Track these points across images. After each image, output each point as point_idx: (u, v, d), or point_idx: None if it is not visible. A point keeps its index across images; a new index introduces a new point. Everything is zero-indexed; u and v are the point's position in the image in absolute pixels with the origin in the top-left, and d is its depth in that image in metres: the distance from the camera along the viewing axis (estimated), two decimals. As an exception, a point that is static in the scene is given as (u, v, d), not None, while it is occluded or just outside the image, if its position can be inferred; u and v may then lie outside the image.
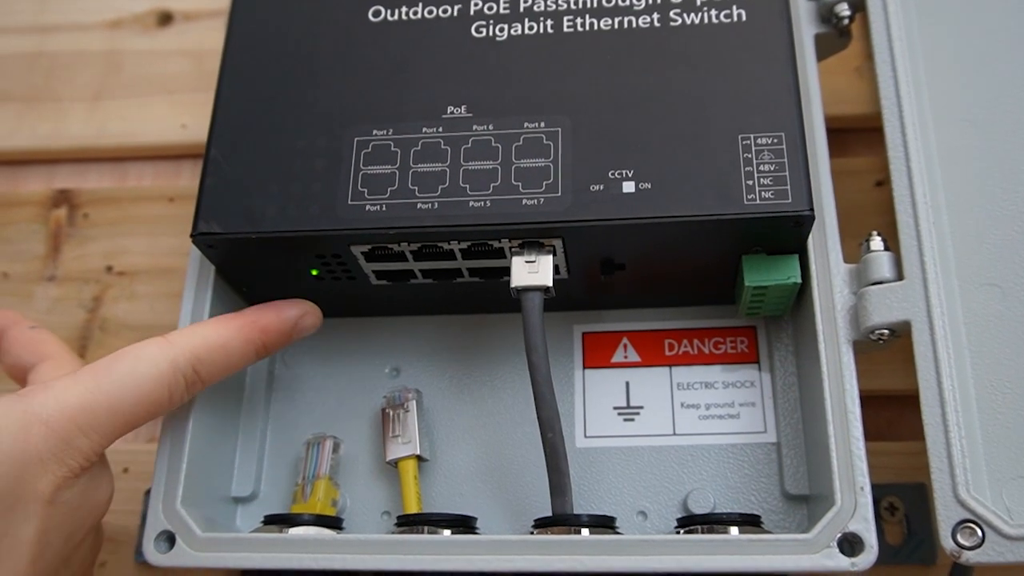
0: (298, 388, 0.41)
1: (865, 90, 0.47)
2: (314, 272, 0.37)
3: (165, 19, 0.54)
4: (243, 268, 0.38)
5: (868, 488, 0.32)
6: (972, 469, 0.31)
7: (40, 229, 0.49)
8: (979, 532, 0.30)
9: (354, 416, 0.40)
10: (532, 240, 0.34)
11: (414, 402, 0.38)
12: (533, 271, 0.34)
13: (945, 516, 0.30)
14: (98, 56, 0.53)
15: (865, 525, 0.31)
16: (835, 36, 0.39)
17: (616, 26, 0.37)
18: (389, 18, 0.38)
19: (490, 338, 0.40)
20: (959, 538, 0.30)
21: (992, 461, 0.31)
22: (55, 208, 0.50)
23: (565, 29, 0.37)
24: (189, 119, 0.51)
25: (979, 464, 0.31)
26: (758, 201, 0.33)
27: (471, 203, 0.34)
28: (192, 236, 0.35)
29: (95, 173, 0.51)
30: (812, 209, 0.33)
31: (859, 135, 0.46)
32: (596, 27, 0.37)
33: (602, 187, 0.34)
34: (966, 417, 0.32)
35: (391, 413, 0.38)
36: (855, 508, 0.31)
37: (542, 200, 0.34)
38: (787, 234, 0.34)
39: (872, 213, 0.43)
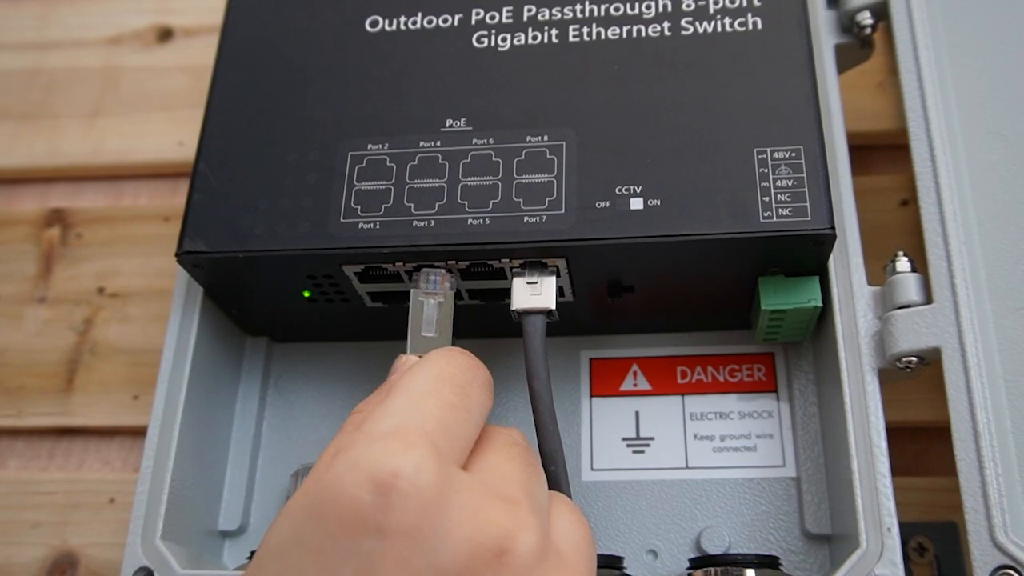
0: (291, 415, 0.39)
1: (889, 105, 0.45)
2: (306, 294, 0.35)
3: (165, 35, 0.53)
4: (232, 289, 0.36)
5: (896, 529, 0.29)
6: (1010, 509, 0.28)
7: (32, 249, 0.48)
8: (1019, 580, 0.27)
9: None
10: (534, 260, 0.32)
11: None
12: (535, 293, 0.32)
13: (981, 561, 0.28)
14: (96, 73, 0.52)
15: (893, 569, 0.29)
16: (857, 46, 0.37)
17: (624, 35, 0.35)
18: (387, 28, 0.36)
19: (492, 364, 0.38)
20: (997, 586, 0.28)
21: (1031, 500, 0.29)
22: (48, 227, 0.48)
23: (571, 39, 0.35)
24: (187, 136, 0.49)
25: (1017, 503, 0.29)
26: (775, 219, 0.31)
27: (470, 221, 0.32)
28: (177, 255, 0.34)
29: (90, 192, 0.50)
30: (833, 227, 0.31)
31: (883, 152, 0.44)
32: (603, 36, 0.35)
33: (608, 204, 0.32)
34: (1002, 452, 0.29)
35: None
36: (882, 551, 0.29)
37: (545, 218, 0.32)
38: (806, 254, 0.32)
39: (897, 234, 0.41)
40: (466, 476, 0.24)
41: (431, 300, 0.33)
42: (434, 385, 0.26)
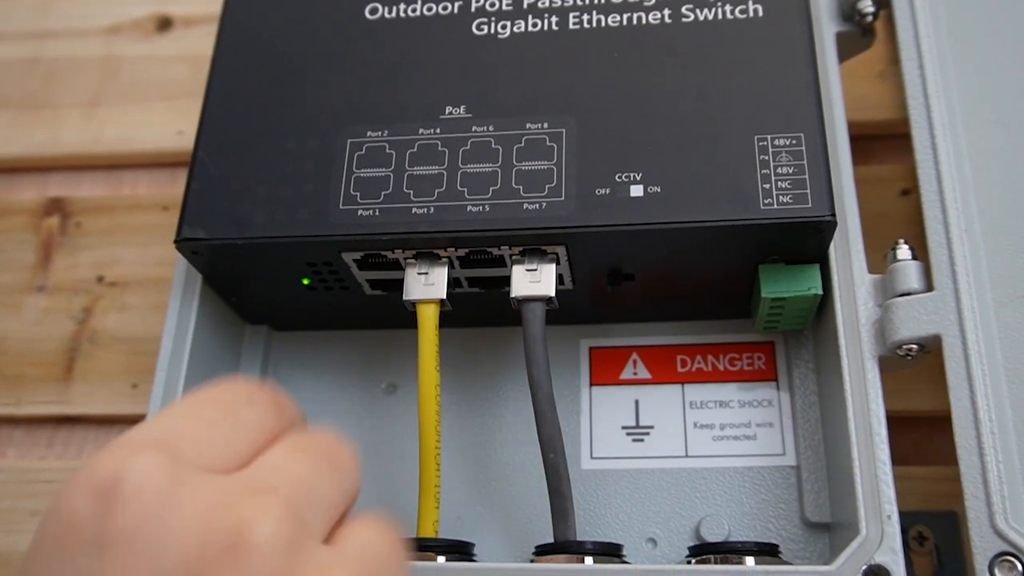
0: (290, 404, 0.39)
1: (889, 95, 0.44)
2: (305, 281, 0.35)
3: (164, 24, 0.53)
4: (231, 277, 0.36)
5: (896, 517, 0.29)
6: (1010, 496, 0.28)
7: (31, 238, 0.48)
8: (1019, 566, 0.27)
9: (347, 435, 0.38)
10: (534, 247, 0.32)
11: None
12: (535, 280, 0.32)
13: (981, 548, 0.28)
14: (96, 62, 0.52)
15: (893, 557, 0.29)
16: (858, 35, 0.37)
17: (625, 22, 0.35)
18: (387, 15, 0.36)
19: (491, 353, 0.38)
20: (997, 572, 0.28)
21: (1032, 488, 0.29)
22: (47, 216, 0.48)
23: (571, 26, 0.35)
24: (186, 126, 0.49)
25: (1018, 491, 0.29)
26: (775, 206, 0.31)
27: (469, 208, 0.32)
28: (176, 242, 0.34)
29: (89, 181, 0.50)
30: (834, 214, 0.30)
31: (883, 142, 0.44)
32: (604, 24, 0.35)
33: (608, 191, 0.32)
34: (1003, 439, 0.29)
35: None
36: (882, 538, 0.29)
37: (544, 205, 0.32)
38: (807, 242, 0.32)
39: (898, 223, 0.41)
40: (211, 477, 0.20)
41: None
42: (194, 404, 0.23)
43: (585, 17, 0.35)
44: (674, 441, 0.36)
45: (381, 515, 0.23)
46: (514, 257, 0.32)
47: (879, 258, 0.34)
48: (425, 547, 0.32)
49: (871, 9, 0.36)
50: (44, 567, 0.19)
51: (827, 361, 0.34)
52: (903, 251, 0.32)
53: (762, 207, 0.31)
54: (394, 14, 0.36)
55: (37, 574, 0.19)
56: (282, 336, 0.40)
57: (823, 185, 0.31)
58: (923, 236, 0.33)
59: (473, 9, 0.36)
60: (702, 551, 0.32)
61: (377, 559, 0.22)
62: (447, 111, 0.34)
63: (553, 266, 0.32)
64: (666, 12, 0.34)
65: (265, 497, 0.20)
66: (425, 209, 0.32)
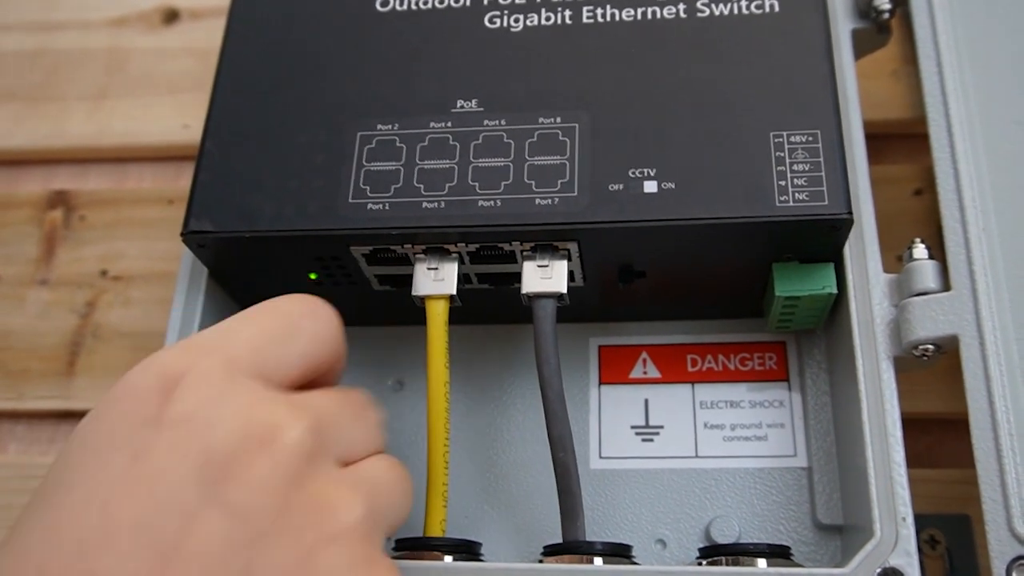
0: (295, 400, 0.38)
1: (901, 94, 0.44)
2: (312, 276, 0.35)
3: (171, 17, 0.52)
4: (237, 270, 0.35)
5: (911, 519, 0.29)
6: (1028, 500, 0.28)
7: (35, 231, 0.47)
8: (1038, 570, 0.27)
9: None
10: (545, 243, 0.32)
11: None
12: (546, 277, 0.32)
13: (999, 551, 0.28)
14: (102, 54, 0.52)
15: (908, 560, 0.28)
16: (874, 32, 0.37)
17: (639, 17, 0.34)
18: (398, 7, 0.36)
19: (500, 350, 0.38)
20: (1015, 576, 0.27)
21: (1050, 491, 0.28)
22: (51, 210, 0.48)
23: (585, 20, 0.35)
24: (192, 119, 0.49)
25: (1035, 494, 0.28)
26: (791, 203, 0.30)
27: (480, 203, 0.32)
28: (183, 235, 0.33)
29: (94, 174, 0.49)
30: (851, 212, 0.30)
31: (896, 141, 0.44)
32: (618, 18, 0.34)
33: (622, 187, 0.31)
34: (1020, 442, 0.29)
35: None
36: (896, 541, 0.29)
37: (557, 200, 0.31)
38: (822, 240, 0.31)
39: (911, 223, 0.41)
40: (260, 387, 0.25)
41: None
42: (260, 314, 0.27)
43: (599, 11, 0.35)
44: (684, 441, 0.36)
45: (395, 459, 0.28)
46: (525, 253, 0.32)
47: (891, 258, 0.34)
48: (432, 546, 0.31)
49: (888, 6, 0.36)
50: (105, 435, 0.23)
51: (840, 361, 0.34)
52: (920, 250, 0.32)
53: (778, 204, 0.30)
54: (405, 6, 0.36)
55: (97, 439, 0.23)
56: (288, 332, 0.39)
57: (840, 182, 0.30)
58: (935, 237, 0.33)
59: (486, 2, 0.35)
60: (713, 552, 0.32)
61: (382, 486, 0.26)
62: (459, 104, 0.33)
63: (565, 262, 0.32)
64: (681, 7, 0.34)
65: (299, 411, 0.24)
66: (436, 203, 0.32)
